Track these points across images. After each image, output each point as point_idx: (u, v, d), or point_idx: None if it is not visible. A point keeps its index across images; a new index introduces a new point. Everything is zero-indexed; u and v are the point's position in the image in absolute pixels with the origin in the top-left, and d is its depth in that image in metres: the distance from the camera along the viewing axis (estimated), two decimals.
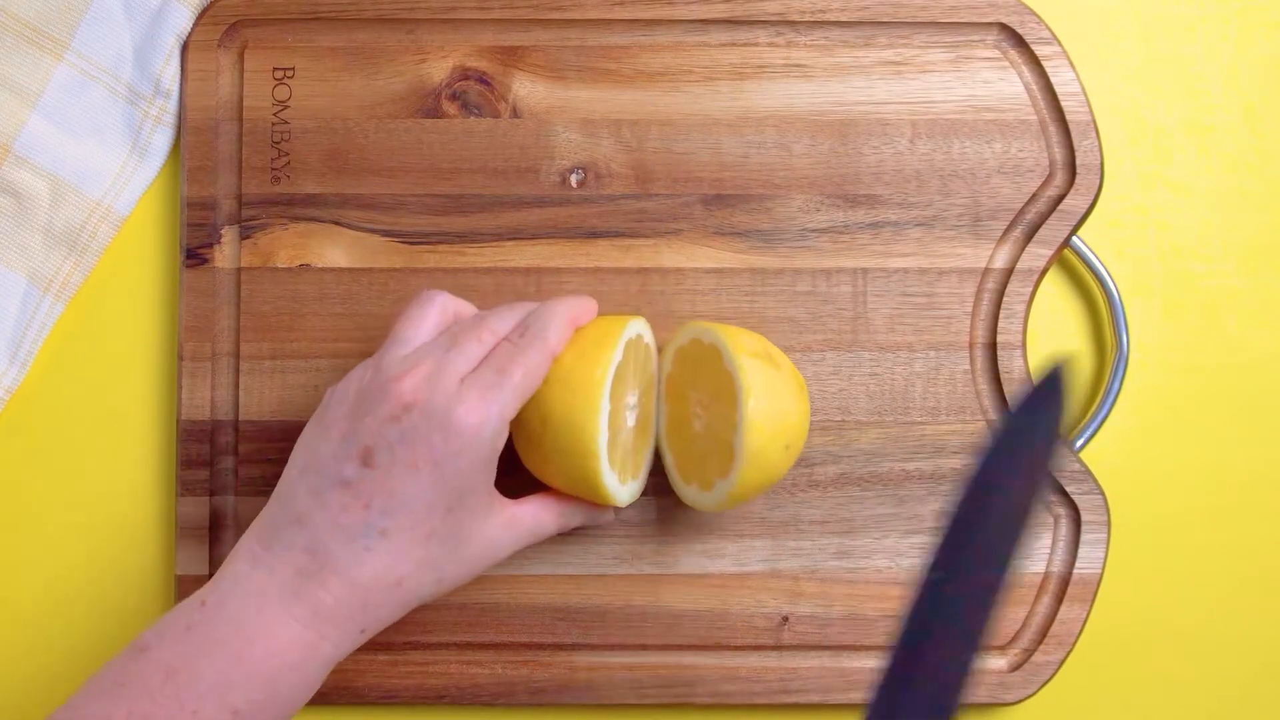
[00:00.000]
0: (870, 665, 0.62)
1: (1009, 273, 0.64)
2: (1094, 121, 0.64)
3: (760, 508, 0.63)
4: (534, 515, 0.57)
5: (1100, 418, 0.63)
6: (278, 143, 0.64)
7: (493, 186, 0.64)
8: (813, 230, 0.64)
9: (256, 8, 0.64)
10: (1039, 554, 0.63)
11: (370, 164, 0.64)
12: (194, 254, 0.63)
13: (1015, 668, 0.62)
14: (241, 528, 0.62)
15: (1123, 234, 0.66)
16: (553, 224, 0.64)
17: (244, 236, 0.64)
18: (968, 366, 0.64)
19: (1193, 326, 0.66)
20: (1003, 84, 0.64)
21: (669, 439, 0.60)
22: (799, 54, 0.65)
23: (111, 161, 0.64)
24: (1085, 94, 0.64)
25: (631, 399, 0.58)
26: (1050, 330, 0.66)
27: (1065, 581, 0.62)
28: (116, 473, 0.64)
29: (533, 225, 0.64)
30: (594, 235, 0.64)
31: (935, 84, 0.64)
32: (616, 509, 0.61)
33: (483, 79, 0.64)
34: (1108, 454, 0.64)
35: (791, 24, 0.65)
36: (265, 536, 0.53)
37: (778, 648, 0.63)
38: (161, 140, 0.65)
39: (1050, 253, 0.63)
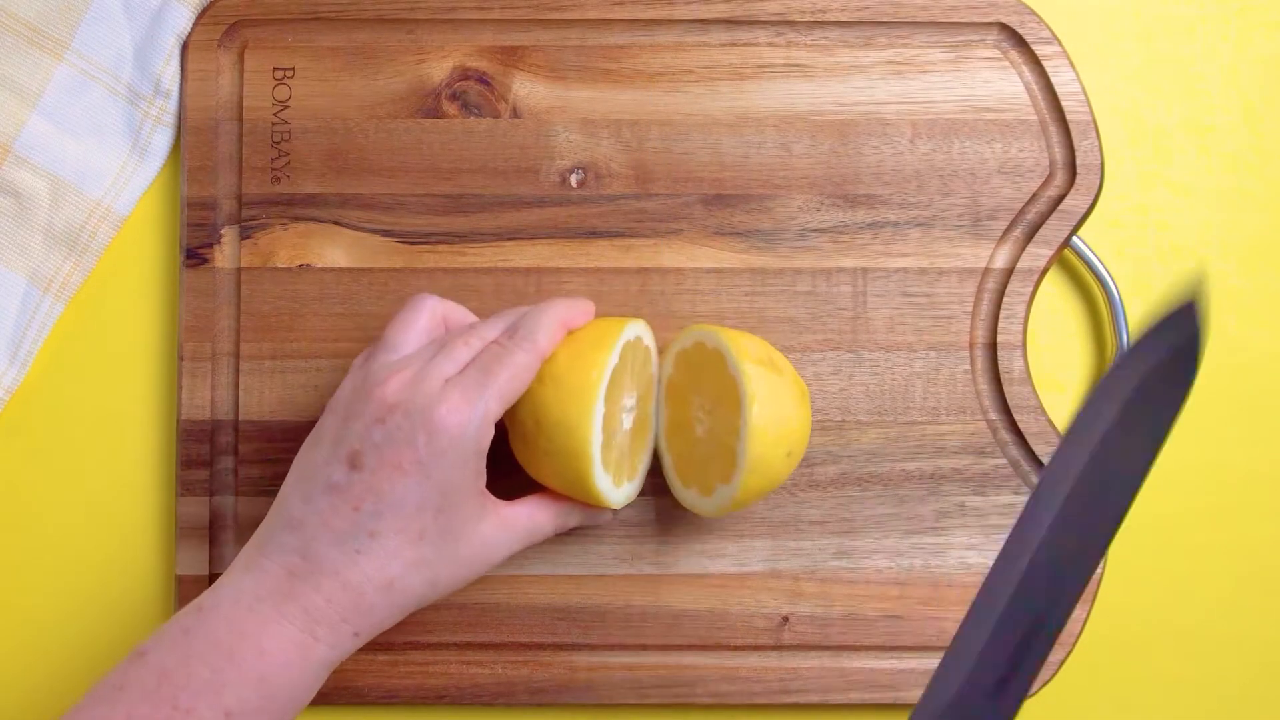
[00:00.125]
0: (870, 665, 0.62)
1: (1009, 273, 0.64)
2: (1094, 121, 0.64)
3: (760, 508, 0.63)
4: (529, 516, 0.57)
5: None
6: (278, 143, 0.64)
7: (493, 186, 0.64)
8: (813, 230, 0.64)
9: (256, 8, 0.64)
10: None
11: (370, 164, 0.64)
12: (194, 254, 0.63)
13: None
14: (241, 527, 0.62)
15: (1123, 234, 0.66)
16: (553, 224, 0.64)
17: (244, 236, 0.64)
18: (968, 366, 0.64)
19: None
20: (1003, 84, 0.64)
21: (668, 441, 0.60)
22: (799, 54, 0.65)
23: (111, 161, 0.64)
24: (1085, 94, 0.64)
25: (629, 401, 0.58)
26: (1050, 330, 0.66)
27: None
28: (116, 473, 0.64)
29: (533, 225, 0.64)
30: (594, 235, 0.64)
31: (935, 84, 0.64)
32: (613, 510, 0.60)
33: (483, 79, 0.64)
34: None
35: (791, 24, 0.65)
36: (261, 543, 0.54)
37: (778, 648, 0.63)
38: (161, 140, 0.65)
39: (1050, 253, 0.63)
